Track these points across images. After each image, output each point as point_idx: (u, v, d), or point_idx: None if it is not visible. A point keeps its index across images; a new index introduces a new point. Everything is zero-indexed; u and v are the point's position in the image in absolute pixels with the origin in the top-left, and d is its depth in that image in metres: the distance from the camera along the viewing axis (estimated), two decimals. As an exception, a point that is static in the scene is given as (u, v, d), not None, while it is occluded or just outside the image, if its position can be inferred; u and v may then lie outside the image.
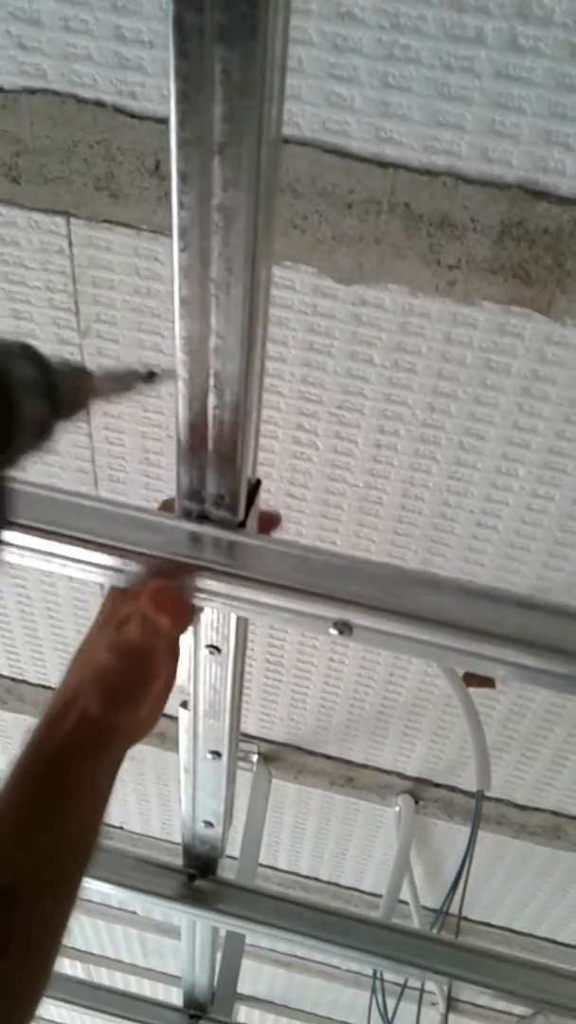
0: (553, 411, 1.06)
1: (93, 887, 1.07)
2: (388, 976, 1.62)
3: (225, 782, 0.87)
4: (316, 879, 2.24)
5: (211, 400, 0.55)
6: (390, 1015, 1.54)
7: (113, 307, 1.09)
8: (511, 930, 2.23)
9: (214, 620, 0.69)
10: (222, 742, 0.82)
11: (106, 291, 1.08)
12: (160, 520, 0.62)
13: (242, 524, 0.61)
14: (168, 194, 0.68)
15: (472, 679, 1.47)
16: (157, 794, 2.09)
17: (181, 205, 0.47)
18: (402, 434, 1.14)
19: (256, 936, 1.05)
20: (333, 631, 0.59)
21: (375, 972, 1.60)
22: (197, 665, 0.73)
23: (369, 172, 0.90)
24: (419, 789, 1.80)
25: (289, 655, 1.55)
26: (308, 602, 0.58)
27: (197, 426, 0.57)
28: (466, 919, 2.23)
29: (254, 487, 0.62)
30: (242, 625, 0.70)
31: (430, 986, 1.96)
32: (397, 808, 1.82)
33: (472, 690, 1.47)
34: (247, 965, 2.60)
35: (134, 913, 2.61)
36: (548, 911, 2.13)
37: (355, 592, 0.57)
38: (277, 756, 1.83)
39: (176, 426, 0.58)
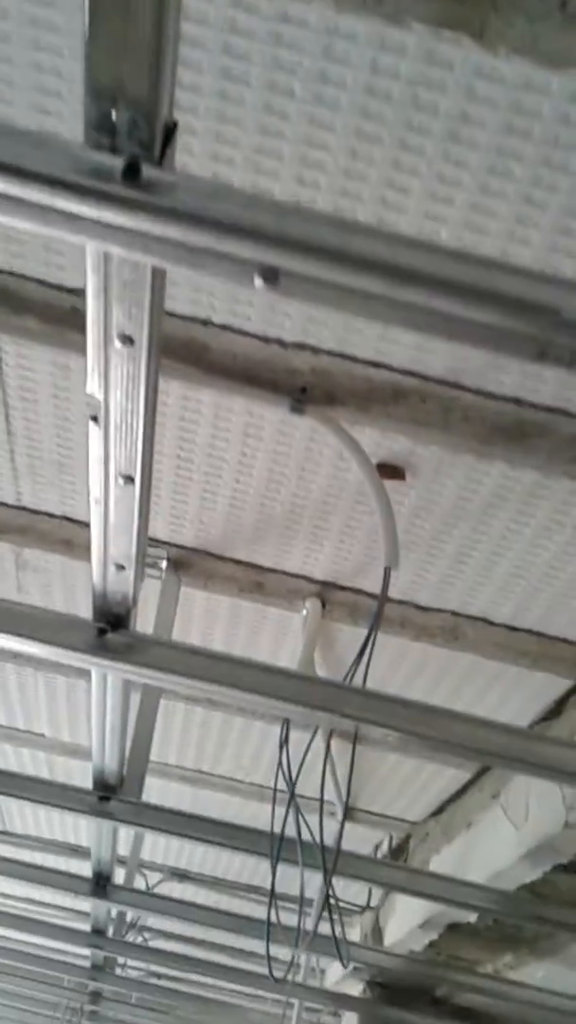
0: (480, 160, 1.02)
1: (8, 644, 1.06)
2: (295, 733, 1.69)
3: (138, 513, 0.85)
4: (223, 692, 2.30)
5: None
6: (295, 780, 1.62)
7: None
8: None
9: (128, 306, 0.65)
10: (135, 463, 0.79)
11: None
12: (66, 144, 0.57)
13: (159, 163, 0.56)
14: None
15: (383, 470, 1.48)
16: (64, 607, 2.08)
17: None
18: (323, 186, 1.09)
19: (170, 690, 1.06)
20: (258, 281, 0.56)
21: (283, 725, 1.67)
22: (107, 364, 0.70)
23: None
24: (326, 593, 1.84)
25: (200, 448, 1.53)
26: (230, 241, 0.54)
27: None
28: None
29: (171, 127, 0.57)
30: (156, 311, 0.66)
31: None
32: (304, 612, 1.86)
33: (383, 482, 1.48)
34: (151, 784, 2.70)
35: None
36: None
37: (285, 232, 0.54)
38: (186, 562, 1.83)
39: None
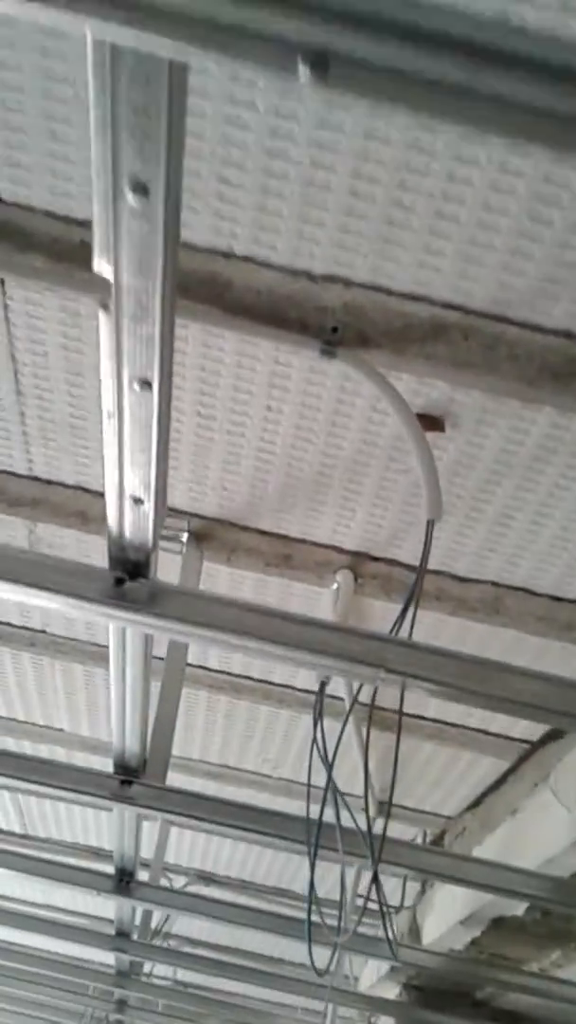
0: None
1: (15, 596, 0.95)
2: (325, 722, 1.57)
3: (157, 428, 0.74)
4: (248, 677, 2.19)
5: None
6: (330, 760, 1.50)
7: None
8: (444, 722, 2.23)
9: (140, 141, 0.54)
10: (152, 364, 0.68)
11: None
12: None
13: None
14: None
15: (421, 421, 1.36)
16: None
17: None
18: None
19: (200, 647, 0.95)
20: (303, 70, 0.44)
21: (318, 695, 1.55)
22: (117, 229, 0.59)
23: None
24: (358, 564, 1.72)
25: (222, 403, 1.42)
26: (266, 16, 0.43)
27: None
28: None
29: None
30: (175, 148, 0.55)
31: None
32: (335, 586, 1.75)
33: (420, 434, 1.36)
34: (173, 780, 2.58)
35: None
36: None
37: (335, 3, 0.42)
38: (209, 534, 1.72)
39: None
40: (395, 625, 1.56)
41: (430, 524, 1.20)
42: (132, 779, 1.39)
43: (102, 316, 0.66)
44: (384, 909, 1.53)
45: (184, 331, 1.31)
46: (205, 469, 1.57)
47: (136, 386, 0.70)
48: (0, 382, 1.48)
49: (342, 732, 1.54)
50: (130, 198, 0.55)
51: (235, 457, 1.53)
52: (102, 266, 0.61)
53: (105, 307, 0.65)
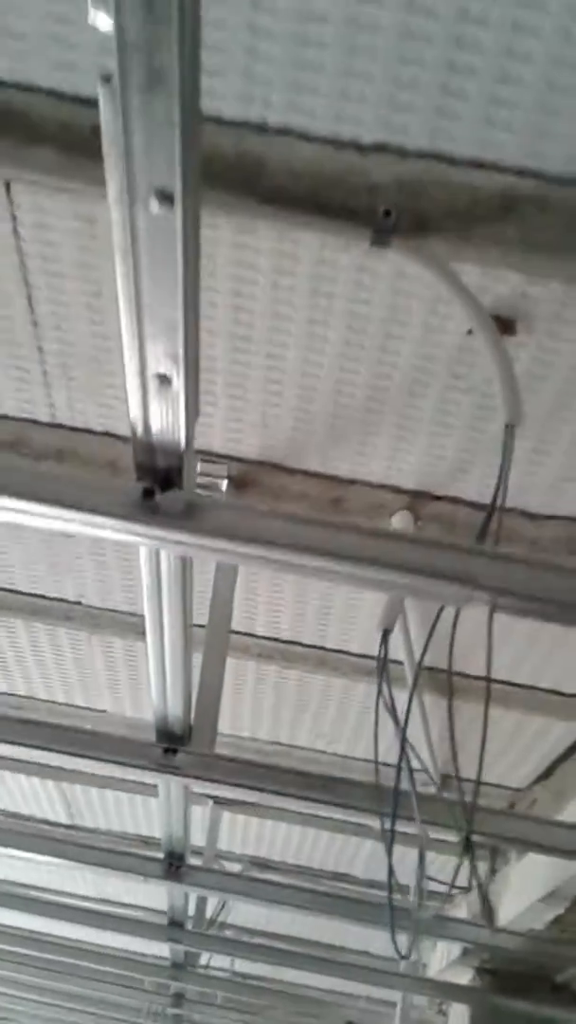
0: None
1: (33, 520, 0.80)
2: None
3: (183, 267, 0.57)
4: (298, 643, 2.03)
5: None
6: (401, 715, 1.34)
7: None
8: (512, 684, 2.05)
9: None
10: (173, 170, 0.52)
11: None
12: None
13: None
14: None
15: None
16: (116, 556, 1.83)
17: None
18: None
19: (250, 568, 0.79)
20: None
21: (383, 636, 1.38)
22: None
23: None
24: (418, 505, 1.55)
25: (260, 320, 1.26)
26: None
27: None
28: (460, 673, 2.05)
29: None
30: None
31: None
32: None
33: (487, 339, 1.19)
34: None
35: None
36: (559, 662, 1.94)
37: None
38: (250, 479, 1.56)
39: None
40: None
41: (509, 430, 1.02)
42: (177, 747, 1.24)
43: (101, 91, 0.50)
44: (478, 879, 1.36)
45: (213, 233, 1.15)
46: (243, 403, 1.41)
47: (155, 201, 0.53)
48: (14, 312, 1.33)
49: (414, 685, 1.38)
50: None
51: (276, 386, 1.37)
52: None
53: (106, 79, 0.48)
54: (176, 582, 0.91)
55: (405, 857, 3.24)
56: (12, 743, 1.28)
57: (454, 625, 1.38)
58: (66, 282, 1.27)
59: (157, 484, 0.78)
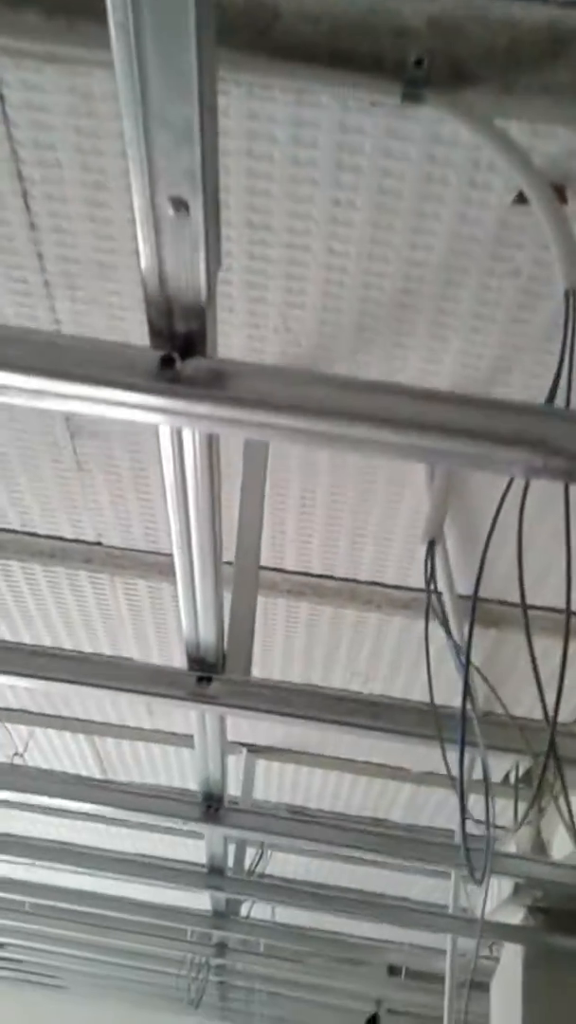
0: None
1: (36, 401, 0.70)
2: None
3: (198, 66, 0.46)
4: (330, 576, 1.94)
5: None
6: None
7: None
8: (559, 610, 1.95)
9: None
10: None
11: None
12: None
13: None
14: None
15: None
16: (133, 485, 1.73)
17: None
18: None
19: (284, 441, 0.68)
20: None
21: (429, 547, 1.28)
22: None
23: None
24: (455, 413, 1.44)
25: (278, 201, 1.14)
26: None
27: None
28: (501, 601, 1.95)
29: None
30: None
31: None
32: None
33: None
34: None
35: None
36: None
37: None
38: (274, 394, 1.45)
39: None
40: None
41: (569, 297, 0.91)
42: (211, 675, 1.15)
43: None
44: (540, 806, 1.27)
45: (224, 102, 1.03)
46: (263, 306, 1.30)
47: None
48: (10, 214, 1.22)
49: (476, 593, 1.27)
50: None
51: (298, 284, 1.26)
52: None
53: None
54: (204, 471, 0.81)
55: (444, 801, 3.20)
56: (45, 678, 1.20)
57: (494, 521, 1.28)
58: (64, 173, 1.15)
59: (176, 351, 0.68)
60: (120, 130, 1.09)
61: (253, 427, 0.69)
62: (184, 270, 0.63)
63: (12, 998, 6.22)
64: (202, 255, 0.61)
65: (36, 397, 0.70)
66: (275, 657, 2.30)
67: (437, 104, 0.97)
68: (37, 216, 1.22)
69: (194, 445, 0.80)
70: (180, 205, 0.58)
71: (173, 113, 0.53)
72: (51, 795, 1.85)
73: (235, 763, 2.81)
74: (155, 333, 0.70)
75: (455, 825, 2.33)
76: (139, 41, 0.48)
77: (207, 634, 1.15)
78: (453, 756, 1.33)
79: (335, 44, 0.95)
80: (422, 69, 0.95)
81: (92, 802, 1.79)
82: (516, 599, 1.93)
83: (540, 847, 2.09)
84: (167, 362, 0.67)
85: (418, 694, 2.33)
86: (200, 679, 1.17)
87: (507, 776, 2.65)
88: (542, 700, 1.25)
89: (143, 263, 0.64)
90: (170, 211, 0.58)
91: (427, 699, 1.54)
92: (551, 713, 1.20)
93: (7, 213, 1.22)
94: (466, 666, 1.23)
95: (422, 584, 1.71)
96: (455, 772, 1.32)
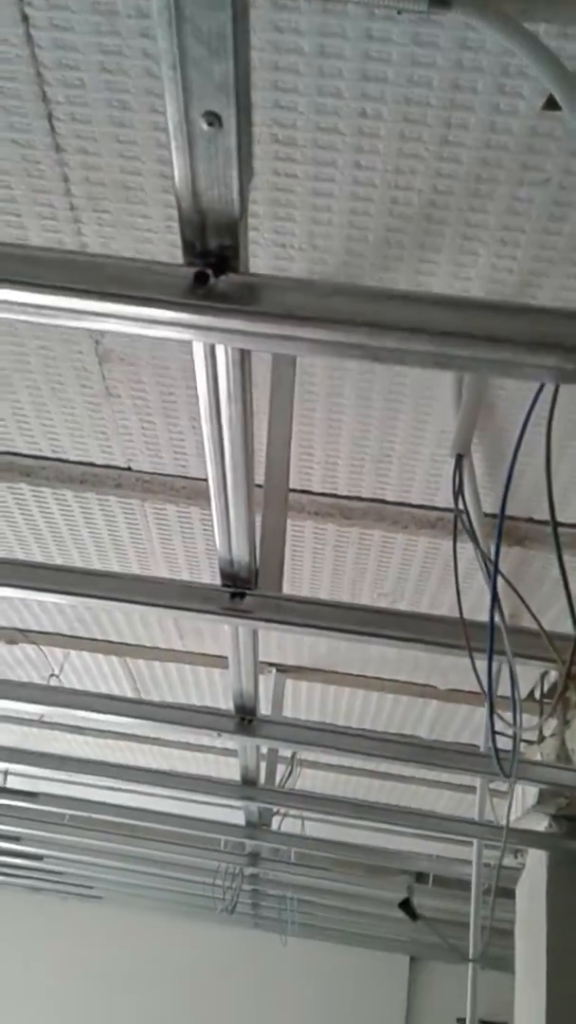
0: None
1: (67, 320, 0.72)
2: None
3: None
4: (357, 497, 1.96)
5: None
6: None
7: None
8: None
9: None
10: None
11: None
12: None
13: None
14: None
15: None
16: (161, 407, 1.75)
17: None
18: None
19: (316, 356, 0.70)
20: None
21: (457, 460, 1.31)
22: None
23: None
24: (482, 330, 1.44)
25: (304, 116, 1.13)
26: None
27: None
28: (528, 519, 1.97)
29: None
30: None
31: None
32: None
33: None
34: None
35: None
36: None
37: None
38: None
39: None
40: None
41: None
42: (244, 591, 1.18)
43: None
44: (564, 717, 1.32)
45: (251, 13, 1.01)
46: (289, 223, 1.30)
47: None
48: (35, 137, 1.22)
49: (503, 507, 1.29)
50: None
51: (325, 199, 1.25)
52: None
53: None
54: (236, 387, 0.83)
55: (470, 718, 3.27)
56: (82, 595, 1.24)
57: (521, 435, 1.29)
58: (88, 93, 1.14)
59: (209, 267, 0.69)
60: (145, 48, 1.08)
61: (288, 341, 0.70)
62: (217, 185, 0.64)
63: (51, 908, 6.52)
64: (235, 169, 0.62)
65: (73, 317, 0.71)
66: (303, 579, 2.34)
67: (464, 8, 0.95)
68: (62, 138, 1.21)
69: (227, 362, 0.81)
70: (214, 119, 0.58)
71: (207, 22, 0.53)
72: (88, 710, 1.92)
73: (264, 683, 2.90)
74: (188, 249, 0.71)
75: (480, 741, 2.40)
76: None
77: (240, 551, 1.18)
78: (482, 666, 1.37)
79: (361, -54, 0.93)
80: (450, -30, 0.93)
81: (129, 716, 1.86)
82: (541, 516, 1.97)
83: (566, 758, 2.15)
84: (201, 278, 0.69)
85: (447, 603, 2.37)
86: (234, 595, 1.21)
87: (532, 692, 2.71)
88: (572, 611, 1.28)
89: (176, 178, 0.64)
90: (204, 125, 0.59)
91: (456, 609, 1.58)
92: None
93: (32, 136, 1.21)
94: (494, 576, 1.26)
95: (448, 504, 1.73)
96: (484, 681, 1.36)
